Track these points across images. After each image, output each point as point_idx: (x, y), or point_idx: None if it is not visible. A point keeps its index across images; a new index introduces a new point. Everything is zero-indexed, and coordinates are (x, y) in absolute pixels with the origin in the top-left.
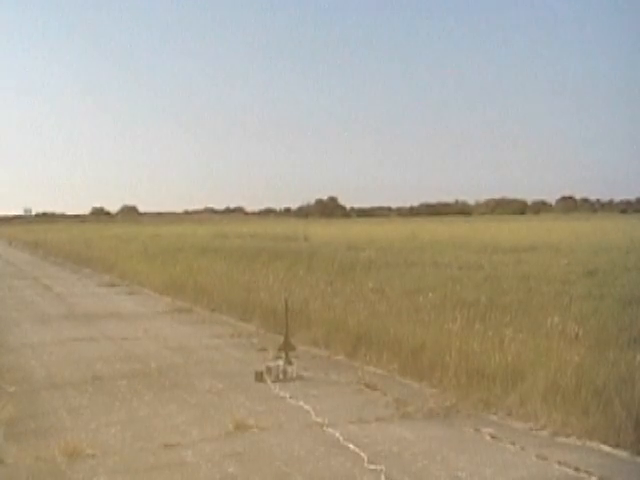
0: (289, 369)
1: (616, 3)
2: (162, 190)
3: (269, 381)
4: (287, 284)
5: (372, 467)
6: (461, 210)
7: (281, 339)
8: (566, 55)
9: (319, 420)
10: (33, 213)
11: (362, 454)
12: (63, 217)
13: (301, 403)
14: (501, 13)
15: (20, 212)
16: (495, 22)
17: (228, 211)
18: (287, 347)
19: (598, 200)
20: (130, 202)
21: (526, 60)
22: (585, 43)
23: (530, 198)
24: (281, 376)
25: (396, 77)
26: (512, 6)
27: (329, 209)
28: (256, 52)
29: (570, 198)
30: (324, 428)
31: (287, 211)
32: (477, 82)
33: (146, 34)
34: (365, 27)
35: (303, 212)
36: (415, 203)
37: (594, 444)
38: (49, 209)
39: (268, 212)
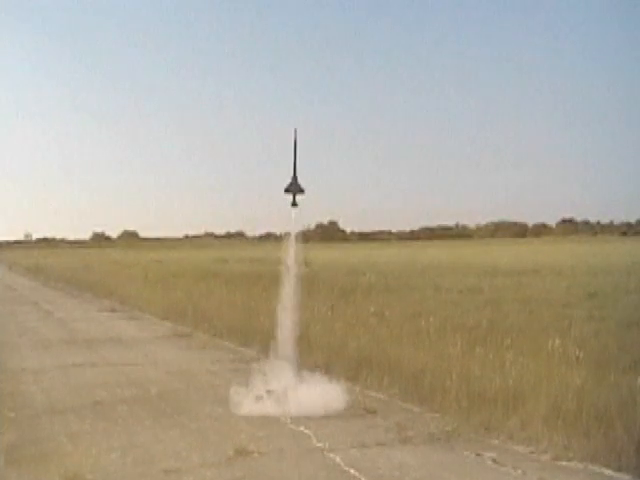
0: (289, 393)
1: (617, 37)
2: (162, 215)
3: (270, 405)
4: None
5: None
6: (461, 233)
7: (282, 364)
8: (565, 78)
9: (320, 445)
10: (34, 238)
11: (363, 479)
12: (64, 242)
13: (302, 428)
14: (499, 43)
15: (21, 237)
16: (494, 49)
17: (228, 236)
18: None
19: (598, 222)
20: (130, 227)
21: (525, 83)
22: (584, 67)
23: (530, 221)
24: (281, 400)
25: (396, 101)
26: (510, 35)
27: (329, 233)
28: (256, 77)
29: (570, 221)
30: (325, 453)
31: (287, 235)
32: (476, 104)
33: (148, 59)
34: (367, 50)
35: (303, 236)
36: (415, 227)
37: (596, 468)
38: (50, 234)
39: (268, 236)
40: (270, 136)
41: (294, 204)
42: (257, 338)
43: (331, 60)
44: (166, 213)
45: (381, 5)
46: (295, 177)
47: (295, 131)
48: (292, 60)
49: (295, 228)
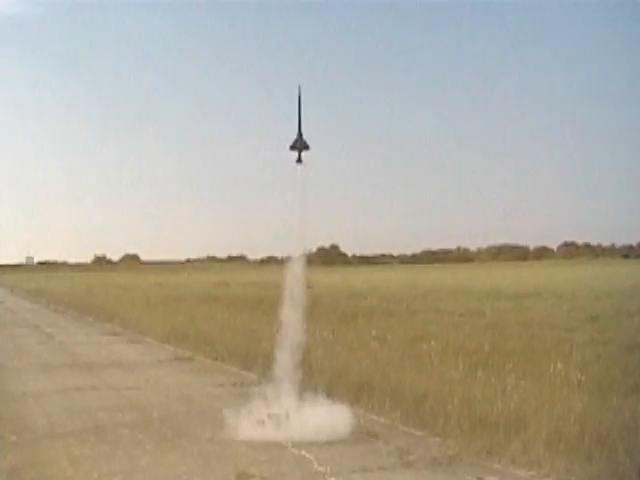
0: (291, 417)
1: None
2: (164, 239)
3: (271, 429)
4: None
5: None
6: (463, 257)
7: (283, 388)
8: (566, 104)
9: (321, 469)
10: (35, 261)
11: None
12: (65, 265)
13: (303, 452)
14: (503, 68)
15: (22, 260)
16: (498, 73)
17: (230, 259)
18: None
19: (600, 245)
20: (132, 251)
21: (525, 109)
22: (585, 92)
23: (532, 244)
24: (283, 424)
25: (397, 126)
26: (513, 67)
27: (331, 257)
28: (256, 106)
29: (572, 244)
30: (327, 477)
31: (288, 258)
32: (478, 128)
33: (150, 83)
34: (368, 77)
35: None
36: (417, 250)
37: None
38: (51, 257)
39: (270, 260)
40: (271, 160)
41: (299, 160)
42: (259, 362)
43: (327, 81)
44: (167, 237)
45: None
46: (300, 133)
47: (299, 87)
48: (291, 94)
49: (302, 188)
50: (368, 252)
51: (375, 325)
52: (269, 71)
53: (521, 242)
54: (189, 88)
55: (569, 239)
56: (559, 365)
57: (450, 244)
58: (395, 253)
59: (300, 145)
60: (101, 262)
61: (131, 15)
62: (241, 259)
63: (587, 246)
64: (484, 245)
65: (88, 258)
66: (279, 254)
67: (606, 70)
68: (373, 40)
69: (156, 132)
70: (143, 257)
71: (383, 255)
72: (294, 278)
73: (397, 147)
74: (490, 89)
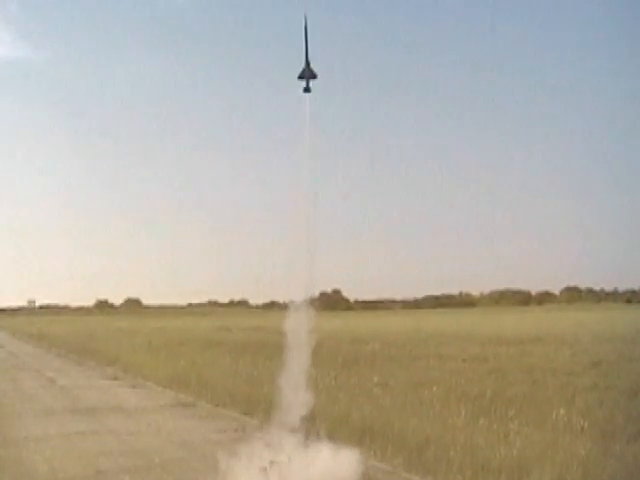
0: (292, 464)
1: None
2: (165, 283)
3: (273, 476)
4: None
5: None
6: (465, 302)
7: (285, 434)
8: (564, 146)
9: None
10: (37, 305)
11: None
12: (67, 309)
13: None
14: (492, 108)
15: (24, 303)
16: (499, 122)
17: (232, 304)
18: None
19: (602, 289)
20: (134, 295)
21: (524, 154)
22: (584, 134)
23: (534, 289)
24: (285, 471)
25: (397, 171)
26: (513, 112)
27: (333, 302)
28: (257, 149)
29: (574, 288)
30: None
31: (290, 303)
32: (480, 174)
33: (152, 127)
34: (368, 115)
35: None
36: (419, 295)
37: None
38: (53, 301)
39: (272, 305)
40: (274, 203)
41: (307, 90)
42: (261, 407)
43: (329, 129)
44: (169, 281)
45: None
46: (307, 62)
47: (305, 17)
48: (289, 138)
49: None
50: (371, 297)
51: (377, 371)
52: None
53: (523, 287)
54: (192, 131)
55: (571, 284)
56: (562, 411)
57: (452, 289)
58: (398, 298)
59: (308, 74)
60: (103, 306)
61: (138, 58)
62: (243, 304)
63: (590, 291)
64: (486, 290)
65: (90, 302)
66: (281, 299)
67: (614, 108)
68: None
69: (158, 177)
70: (145, 301)
71: (385, 300)
72: (296, 323)
73: (398, 193)
74: (492, 134)
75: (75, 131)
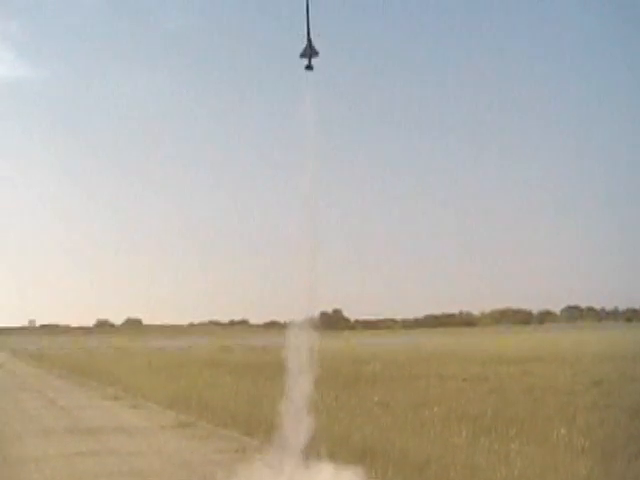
0: None
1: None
2: (166, 303)
3: None
4: None
5: None
6: (466, 321)
7: (286, 455)
8: (564, 166)
9: None
10: (37, 324)
11: None
12: (67, 329)
13: None
14: (491, 129)
15: (24, 323)
16: (499, 141)
17: (232, 324)
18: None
19: (603, 309)
20: (134, 314)
21: (523, 173)
22: (584, 154)
23: (535, 308)
24: None
25: (397, 191)
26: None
27: (333, 321)
28: (257, 167)
29: (575, 307)
30: None
31: (291, 323)
32: (480, 193)
33: (151, 146)
34: (366, 143)
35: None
36: (420, 315)
37: None
38: (53, 321)
39: (273, 324)
40: (273, 224)
41: (309, 67)
42: (261, 428)
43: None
44: (170, 301)
45: None
46: (309, 39)
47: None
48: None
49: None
50: (371, 316)
51: (378, 390)
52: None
53: (524, 306)
54: (190, 152)
55: (572, 303)
56: (563, 430)
57: (453, 308)
58: (398, 317)
59: (310, 52)
60: (103, 326)
61: (137, 77)
62: (244, 323)
63: (590, 310)
64: (487, 309)
65: (90, 322)
66: (282, 319)
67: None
68: None
69: (159, 197)
70: (145, 321)
71: (386, 320)
72: (297, 343)
73: (398, 214)
74: (492, 154)
75: (75, 150)
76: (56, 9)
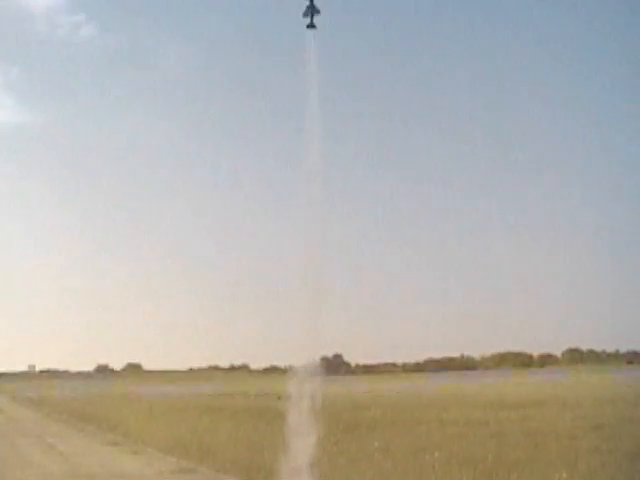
0: None
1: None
2: (166, 348)
3: None
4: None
5: None
6: (466, 364)
7: None
8: (562, 207)
9: None
10: (37, 369)
11: None
12: (67, 374)
13: None
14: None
15: (24, 368)
16: (487, 177)
17: (233, 368)
18: None
19: (604, 351)
20: (134, 359)
21: (522, 215)
22: (582, 198)
23: (536, 351)
24: None
25: (395, 234)
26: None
27: (334, 366)
28: (257, 213)
29: (576, 350)
30: None
31: (291, 368)
32: (479, 238)
33: (151, 193)
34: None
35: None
36: (420, 359)
37: None
38: (53, 366)
39: (273, 370)
40: (273, 269)
41: (311, 25)
42: (262, 474)
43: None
44: (169, 346)
45: None
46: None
47: None
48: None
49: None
50: (372, 361)
51: (378, 436)
52: None
53: (525, 349)
54: (192, 196)
55: (573, 345)
56: (564, 474)
57: (454, 352)
58: (399, 361)
59: (312, 11)
60: (103, 371)
61: (136, 123)
62: (244, 368)
63: (591, 352)
64: (488, 352)
65: (90, 367)
66: (282, 363)
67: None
68: None
69: (158, 242)
70: (146, 366)
71: (387, 364)
72: (297, 388)
73: (397, 258)
74: (488, 194)
75: (74, 194)
76: (56, 55)
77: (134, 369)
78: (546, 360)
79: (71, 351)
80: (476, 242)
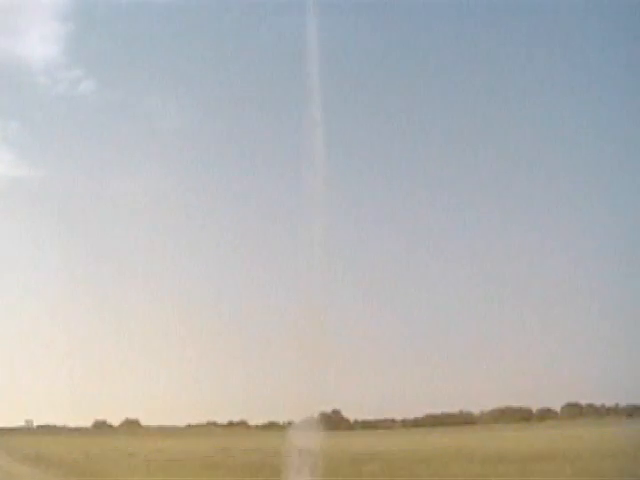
0: None
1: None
2: (164, 404)
3: None
4: None
5: None
6: (465, 420)
7: None
8: (560, 262)
9: None
10: (34, 425)
11: None
12: (65, 429)
13: None
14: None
15: (21, 423)
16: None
17: (231, 425)
18: None
19: (603, 405)
20: (132, 415)
21: (520, 268)
22: (579, 256)
23: (535, 406)
24: None
25: (393, 291)
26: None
27: (333, 422)
28: (254, 269)
29: (575, 404)
30: None
31: (290, 424)
32: (476, 288)
33: (149, 245)
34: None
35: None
36: (419, 414)
37: None
38: (50, 421)
39: (272, 425)
40: (269, 324)
41: None
42: None
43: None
44: (167, 402)
45: None
46: None
47: None
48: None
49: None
50: (370, 416)
51: None
52: None
53: (524, 404)
54: (190, 249)
55: (572, 400)
56: None
57: (452, 407)
58: (398, 417)
59: None
60: (101, 426)
61: (135, 178)
62: (242, 424)
63: (590, 406)
64: (487, 408)
65: (88, 422)
66: (281, 420)
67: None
68: None
69: (155, 297)
70: (144, 422)
71: (386, 419)
72: (295, 445)
73: (396, 313)
74: (488, 244)
75: (72, 248)
76: (55, 110)
77: (132, 425)
78: (545, 415)
79: (68, 407)
80: (475, 296)
